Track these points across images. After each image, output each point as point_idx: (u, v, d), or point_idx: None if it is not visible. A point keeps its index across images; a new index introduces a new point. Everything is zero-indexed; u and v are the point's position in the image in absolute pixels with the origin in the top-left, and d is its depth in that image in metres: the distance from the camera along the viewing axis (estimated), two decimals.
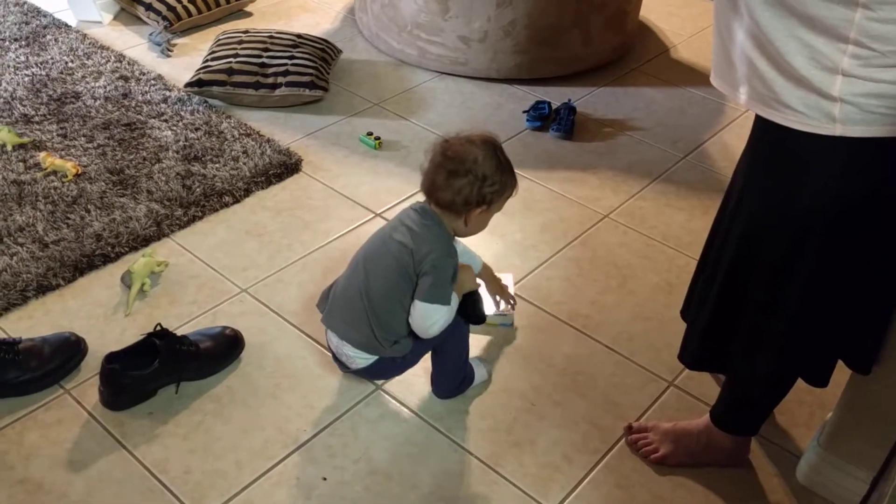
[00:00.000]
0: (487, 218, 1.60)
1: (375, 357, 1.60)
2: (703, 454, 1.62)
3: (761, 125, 1.30)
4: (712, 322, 1.48)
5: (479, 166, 1.52)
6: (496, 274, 1.85)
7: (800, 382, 1.49)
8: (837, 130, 1.15)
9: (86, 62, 2.77)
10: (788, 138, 1.21)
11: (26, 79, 2.64)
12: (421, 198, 1.61)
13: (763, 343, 1.42)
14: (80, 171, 2.25)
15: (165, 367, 1.66)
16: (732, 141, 2.65)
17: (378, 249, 1.59)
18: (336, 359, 1.67)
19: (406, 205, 2.23)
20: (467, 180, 1.51)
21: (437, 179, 1.53)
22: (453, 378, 1.72)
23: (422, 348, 1.63)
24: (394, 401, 1.73)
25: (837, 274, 1.30)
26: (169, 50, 2.92)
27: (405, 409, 1.71)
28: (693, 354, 1.56)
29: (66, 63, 2.75)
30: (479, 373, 1.76)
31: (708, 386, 1.79)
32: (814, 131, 1.17)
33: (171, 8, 3.00)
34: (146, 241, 2.07)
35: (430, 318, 1.55)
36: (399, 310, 1.57)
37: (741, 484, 1.61)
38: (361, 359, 1.60)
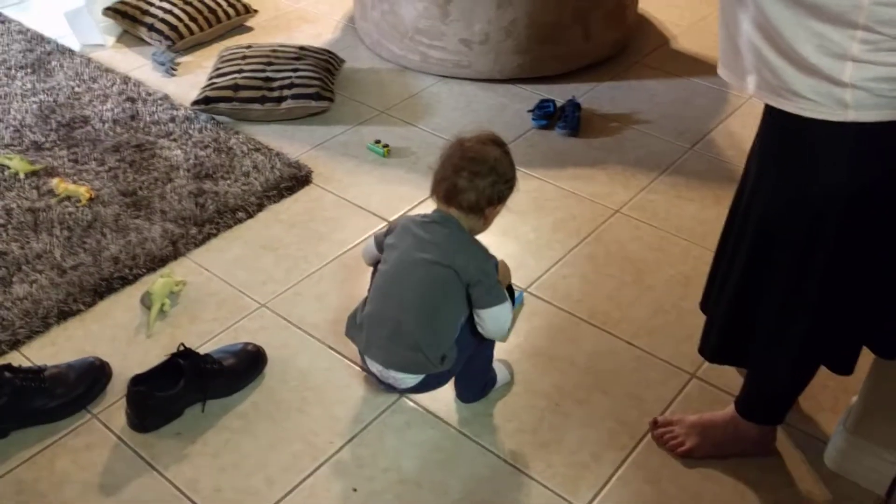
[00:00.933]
0: (497, 214, 1.64)
1: (424, 374, 1.61)
2: (729, 445, 1.62)
3: (770, 115, 1.30)
4: (732, 315, 1.48)
5: (499, 164, 1.57)
6: None
7: (823, 368, 1.49)
8: (850, 116, 1.15)
9: (92, 86, 2.78)
10: (799, 127, 1.22)
11: (34, 106, 2.66)
12: (426, 206, 1.62)
13: (785, 334, 1.42)
14: (93, 195, 2.27)
15: (191, 386, 1.67)
16: (738, 129, 2.65)
17: (409, 272, 1.59)
18: (381, 381, 1.68)
19: (419, 211, 2.26)
20: (490, 180, 1.55)
21: (460, 182, 1.54)
22: (479, 381, 1.73)
23: (463, 354, 1.64)
24: (419, 408, 1.73)
25: (856, 261, 1.30)
26: (173, 69, 2.93)
27: (430, 416, 1.72)
28: (713, 348, 1.56)
29: (73, 88, 2.77)
30: (502, 375, 1.77)
31: (731, 376, 1.79)
32: (825, 118, 1.17)
33: (172, 27, 3.02)
34: (163, 262, 2.09)
35: (500, 318, 1.59)
36: (445, 327, 1.59)
37: (770, 472, 1.61)
38: (410, 378, 1.61)
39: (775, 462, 1.63)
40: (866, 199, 1.24)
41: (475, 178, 1.54)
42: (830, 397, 1.75)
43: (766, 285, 1.40)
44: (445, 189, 1.57)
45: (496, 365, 1.77)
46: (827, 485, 1.59)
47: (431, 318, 1.57)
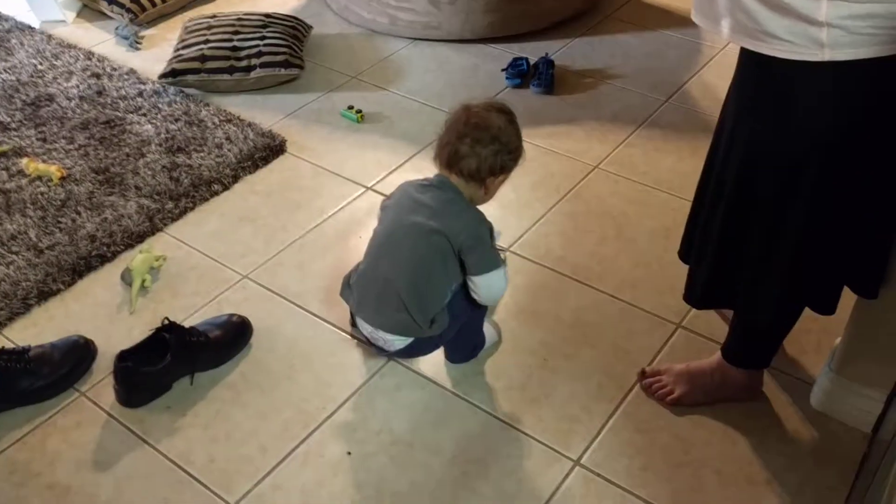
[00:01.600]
0: (500, 186, 1.62)
1: (413, 337, 1.61)
2: (717, 391, 1.65)
3: (746, 59, 1.30)
4: (716, 261, 1.49)
5: (503, 133, 1.54)
6: None
7: (805, 311, 1.50)
8: (826, 55, 1.14)
9: (55, 63, 2.72)
10: (775, 70, 1.22)
11: None
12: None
13: (769, 278, 1.43)
14: (65, 174, 2.22)
15: (178, 359, 1.66)
16: (713, 79, 2.65)
17: (402, 235, 1.58)
18: (371, 343, 1.68)
19: (396, 176, 2.26)
20: (492, 148, 1.53)
21: (462, 148, 1.53)
22: (469, 344, 1.73)
23: (457, 321, 1.64)
24: (409, 370, 1.74)
25: (837, 203, 1.31)
26: (137, 42, 2.87)
27: (420, 378, 1.72)
28: (699, 294, 1.57)
29: (35, 66, 2.70)
30: (490, 335, 1.78)
31: (715, 324, 1.81)
32: (802, 58, 1.16)
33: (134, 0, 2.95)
34: (141, 238, 2.06)
35: (494, 284, 1.60)
36: (435, 291, 1.58)
37: (758, 416, 1.64)
38: (399, 340, 1.61)
39: (763, 406, 1.66)
40: (847, 140, 1.25)
41: (477, 146, 1.53)
42: (814, 340, 1.77)
43: (748, 231, 1.40)
44: (447, 154, 1.55)
45: (485, 326, 1.77)
46: (814, 425, 1.62)
47: (423, 283, 1.57)
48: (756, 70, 1.28)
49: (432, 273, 1.57)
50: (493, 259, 1.59)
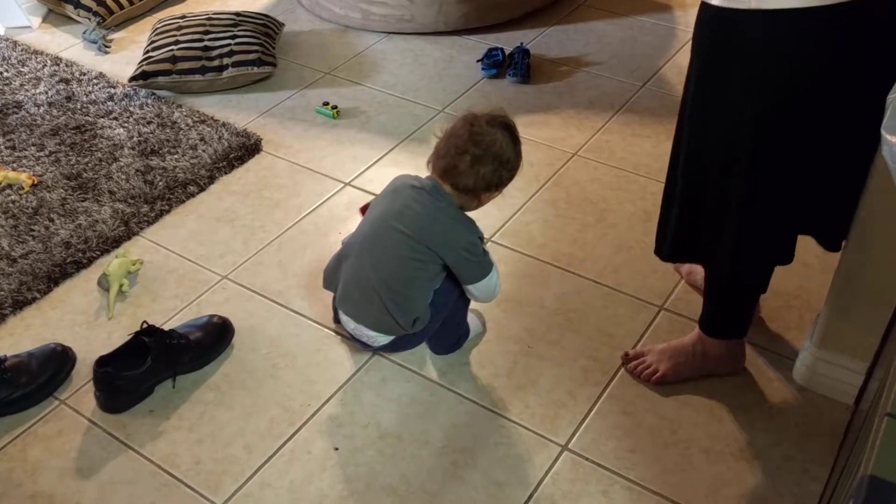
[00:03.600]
0: (493, 198, 1.62)
1: (395, 335, 1.61)
2: (700, 365, 1.65)
3: (697, 17, 1.34)
4: (681, 215, 1.49)
5: (504, 152, 1.53)
6: None
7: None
8: (752, 3, 1.19)
9: (21, 70, 2.68)
10: (716, 22, 1.27)
11: None
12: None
13: (723, 230, 1.43)
14: (36, 182, 2.19)
15: (158, 363, 1.64)
16: (687, 63, 2.65)
17: (385, 238, 1.56)
18: (355, 339, 1.67)
19: (374, 171, 2.24)
20: (492, 167, 1.52)
21: (461, 165, 1.51)
22: (453, 336, 1.72)
23: (438, 316, 1.63)
24: (394, 363, 1.72)
25: (777, 155, 1.33)
26: (106, 46, 2.84)
27: (406, 370, 1.71)
28: (667, 248, 1.57)
29: (1, 73, 2.66)
30: (474, 326, 1.77)
31: (697, 304, 1.80)
32: (730, 6, 1.21)
33: (101, 2, 2.91)
34: (117, 242, 2.03)
35: (490, 287, 1.63)
36: (416, 291, 1.58)
37: (743, 393, 1.64)
38: (382, 337, 1.61)
39: (748, 382, 1.66)
40: (781, 93, 1.26)
41: (476, 164, 1.51)
42: (795, 316, 1.78)
43: (704, 182, 1.42)
44: (444, 166, 1.53)
45: (468, 316, 1.76)
46: (798, 400, 1.62)
47: (404, 288, 1.56)
48: (702, 29, 1.33)
49: (415, 279, 1.56)
50: (484, 267, 1.60)
